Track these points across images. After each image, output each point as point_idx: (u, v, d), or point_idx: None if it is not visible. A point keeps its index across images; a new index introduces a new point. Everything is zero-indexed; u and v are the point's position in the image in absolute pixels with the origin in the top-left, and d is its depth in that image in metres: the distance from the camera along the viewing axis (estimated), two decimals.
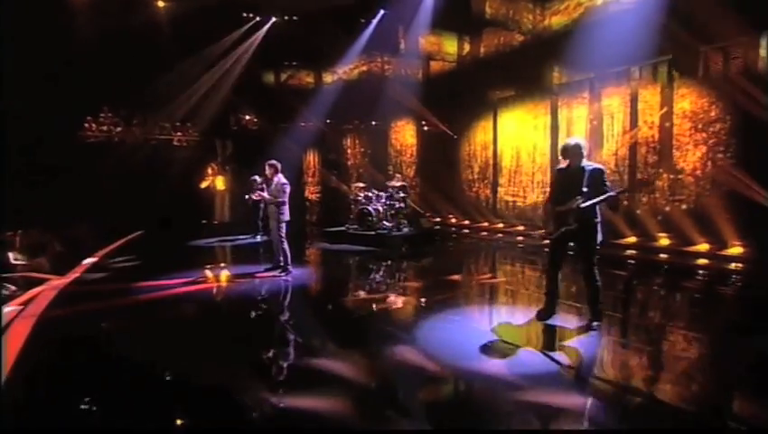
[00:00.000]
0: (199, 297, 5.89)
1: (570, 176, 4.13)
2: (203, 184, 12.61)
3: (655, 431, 2.73)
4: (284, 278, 6.35)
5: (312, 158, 14.14)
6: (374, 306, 5.37)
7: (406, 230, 9.69)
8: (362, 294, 6.09)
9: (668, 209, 8.05)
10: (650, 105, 8.45)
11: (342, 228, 10.37)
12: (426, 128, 13.56)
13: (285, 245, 6.37)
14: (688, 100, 7.93)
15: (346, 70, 14.03)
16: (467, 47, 13.05)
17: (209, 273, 6.94)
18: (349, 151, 14.13)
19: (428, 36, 13.21)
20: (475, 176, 12.28)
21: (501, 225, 11.00)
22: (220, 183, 12.80)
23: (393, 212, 9.83)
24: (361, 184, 10.53)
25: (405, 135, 14.02)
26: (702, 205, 7.48)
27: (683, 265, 7.04)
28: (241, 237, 10.73)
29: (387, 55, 14.21)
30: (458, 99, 12.40)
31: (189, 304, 5.60)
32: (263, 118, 13.52)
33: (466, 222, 11.87)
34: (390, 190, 10.12)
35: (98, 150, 11.98)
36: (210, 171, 12.65)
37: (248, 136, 13.16)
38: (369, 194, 10.08)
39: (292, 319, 5.22)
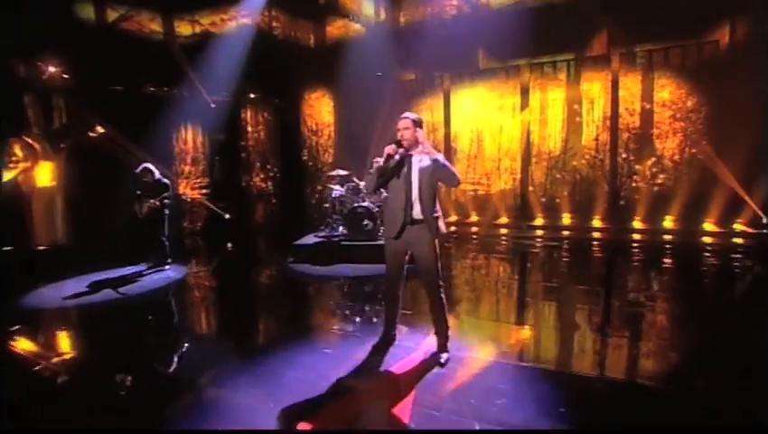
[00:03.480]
0: None
1: None
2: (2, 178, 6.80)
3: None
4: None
5: (191, 140, 9.69)
6: None
7: None
8: None
9: None
10: (631, 93, 8.76)
11: (319, 238, 7.27)
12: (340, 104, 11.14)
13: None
14: (667, 90, 8.51)
15: (216, 20, 10.12)
16: (383, 13, 11.25)
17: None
18: (249, 130, 10.30)
19: None
20: None
21: (475, 218, 9.89)
22: (44, 174, 7.15)
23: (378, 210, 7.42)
24: (342, 172, 7.57)
25: (320, 111, 11.21)
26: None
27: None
28: (133, 270, 6.30)
29: (278, 9, 10.91)
30: (388, 69, 10.49)
31: None
32: (79, 73, 8.29)
33: None
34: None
35: None
36: (17, 153, 6.85)
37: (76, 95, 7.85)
38: (359, 187, 7.32)
39: None
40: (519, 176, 9.78)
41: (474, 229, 9.57)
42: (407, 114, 3.33)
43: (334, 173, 7.60)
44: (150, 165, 6.61)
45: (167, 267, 6.52)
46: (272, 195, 10.58)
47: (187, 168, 9.80)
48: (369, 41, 10.50)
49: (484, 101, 9.98)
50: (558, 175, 9.32)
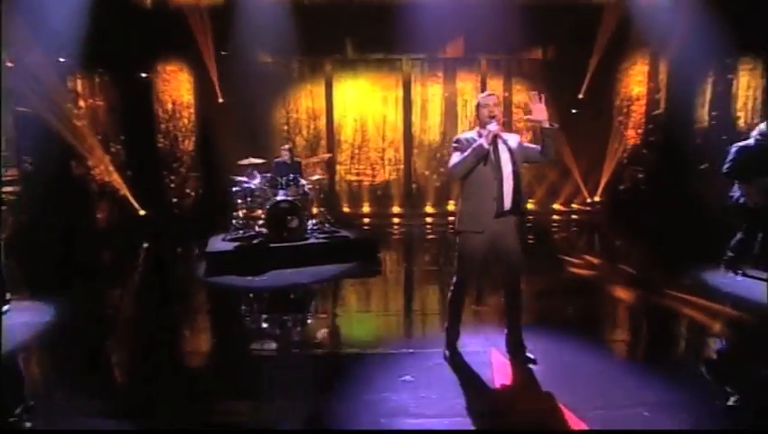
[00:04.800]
0: None
1: None
2: None
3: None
4: None
5: None
6: None
7: (338, 229, 6.84)
8: None
9: None
10: (496, 94, 9.98)
11: (236, 242, 6.01)
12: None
13: None
14: (522, 95, 10.06)
15: None
16: None
17: None
18: (83, 105, 7.61)
19: None
20: (301, 152, 10.02)
21: (367, 210, 9.78)
22: None
23: (310, 203, 6.69)
24: (256, 160, 6.32)
25: (178, 88, 9.23)
26: None
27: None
28: None
29: None
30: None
31: None
32: None
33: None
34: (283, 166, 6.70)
35: None
36: None
37: None
38: (277, 178, 6.31)
39: None
40: (402, 166, 10.13)
41: (367, 220, 9.53)
42: (489, 91, 3.06)
43: (246, 162, 6.40)
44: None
45: (6, 307, 4.35)
46: (119, 190, 8.22)
47: None
48: (233, 12, 9.09)
49: (367, 92, 9.92)
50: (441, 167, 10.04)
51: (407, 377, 2.92)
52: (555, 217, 9.55)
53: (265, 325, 4.14)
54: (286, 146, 7.05)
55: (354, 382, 2.90)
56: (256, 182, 6.36)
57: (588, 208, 9.58)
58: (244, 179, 6.48)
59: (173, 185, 9.01)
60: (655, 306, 4.39)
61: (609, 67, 9.43)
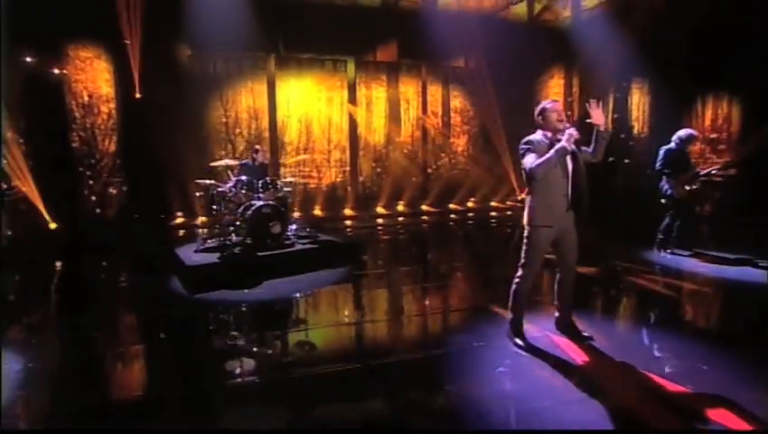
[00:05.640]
0: None
1: None
2: None
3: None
4: None
5: None
6: None
7: (316, 233, 6.52)
8: None
9: None
10: (435, 98, 10.49)
11: (216, 252, 5.37)
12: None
13: None
14: (458, 100, 10.70)
15: None
16: None
17: None
18: None
19: None
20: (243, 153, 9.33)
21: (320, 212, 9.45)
22: None
23: (290, 207, 6.28)
24: (231, 162, 5.64)
25: (96, 78, 7.90)
26: None
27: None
28: None
29: None
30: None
31: None
32: None
33: None
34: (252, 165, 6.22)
35: None
36: None
37: None
38: (254, 182, 5.76)
39: None
40: (348, 168, 10.05)
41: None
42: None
43: (222, 163, 5.76)
44: None
45: None
46: (22, 199, 6.73)
47: None
48: None
49: (312, 92, 9.64)
50: (386, 166, 10.19)
51: (502, 368, 3.02)
52: (492, 214, 10.36)
53: (310, 340, 3.82)
54: (258, 146, 6.54)
55: (452, 381, 2.90)
56: (228, 186, 5.79)
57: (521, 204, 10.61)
58: (212, 182, 5.85)
59: (91, 186, 7.70)
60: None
61: (531, 78, 10.59)
